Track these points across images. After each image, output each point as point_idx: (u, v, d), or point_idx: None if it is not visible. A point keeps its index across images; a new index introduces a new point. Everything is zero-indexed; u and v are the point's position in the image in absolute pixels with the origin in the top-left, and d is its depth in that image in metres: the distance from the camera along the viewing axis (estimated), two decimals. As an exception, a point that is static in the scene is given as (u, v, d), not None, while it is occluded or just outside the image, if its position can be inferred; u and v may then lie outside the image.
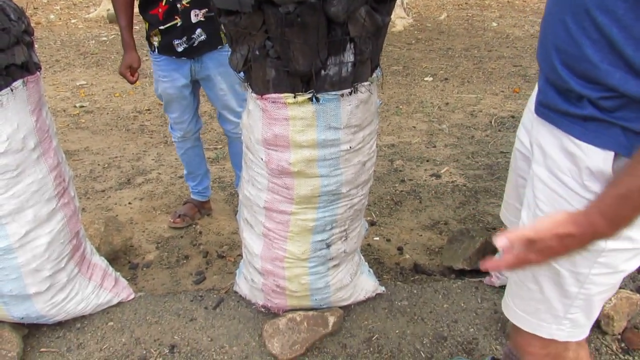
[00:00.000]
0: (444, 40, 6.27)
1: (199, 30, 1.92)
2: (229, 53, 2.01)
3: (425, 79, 4.83)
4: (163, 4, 1.87)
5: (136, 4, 1.97)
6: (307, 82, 1.20)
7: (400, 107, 4.04)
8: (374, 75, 1.31)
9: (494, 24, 7.01)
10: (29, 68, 1.32)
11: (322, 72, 1.18)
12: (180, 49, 1.95)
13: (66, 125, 3.86)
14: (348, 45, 1.16)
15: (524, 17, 7.41)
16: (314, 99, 1.21)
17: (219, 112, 2.18)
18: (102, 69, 5.29)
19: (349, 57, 1.18)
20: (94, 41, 6.43)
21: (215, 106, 2.18)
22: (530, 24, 7.01)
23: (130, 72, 2.07)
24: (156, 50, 2.00)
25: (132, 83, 2.11)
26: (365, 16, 1.11)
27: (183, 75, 2.04)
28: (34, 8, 8.25)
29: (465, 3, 8.52)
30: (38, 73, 1.37)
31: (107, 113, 4.09)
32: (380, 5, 1.14)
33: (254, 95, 1.28)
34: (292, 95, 1.21)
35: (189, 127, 2.21)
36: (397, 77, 4.88)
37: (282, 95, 1.22)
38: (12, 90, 1.26)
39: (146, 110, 4.11)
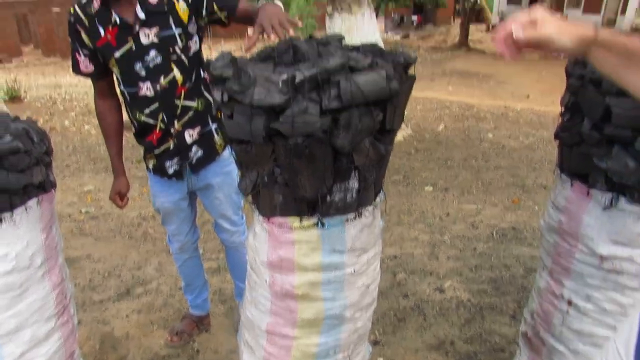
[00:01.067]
0: (442, 151, 6.48)
1: (194, 148, 1.96)
2: (226, 163, 2.05)
3: (426, 188, 4.94)
4: (157, 130, 1.91)
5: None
6: (313, 206, 1.24)
7: (402, 217, 4.09)
8: (378, 199, 1.35)
9: (490, 135, 7.30)
10: (44, 187, 1.37)
11: (328, 197, 1.22)
12: (170, 171, 1.99)
13: (70, 231, 3.89)
14: (353, 173, 1.21)
15: (518, 129, 7.73)
16: (319, 223, 1.24)
17: (216, 221, 2.20)
18: (110, 175, 5.39)
19: (353, 184, 1.22)
20: (104, 147, 6.65)
21: (212, 215, 2.20)
22: (524, 135, 7.29)
23: (120, 197, 2.11)
24: (151, 171, 2.06)
25: (121, 208, 2.16)
26: (369, 147, 1.18)
27: (179, 189, 2.07)
28: (50, 114, 8.64)
29: (462, 115, 8.94)
30: (53, 191, 1.41)
31: (112, 219, 4.13)
32: (383, 136, 1.21)
33: (260, 217, 1.31)
34: (299, 219, 1.24)
35: (187, 239, 2.23)
36: (398, 187, 4.98)
37: (288, 219, 1.25)
38: (26, 209, 1.30)
39: (151, 216, 4.16)
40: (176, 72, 1.83)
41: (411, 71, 1.21)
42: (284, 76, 1.02)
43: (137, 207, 4.40)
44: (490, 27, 23.66)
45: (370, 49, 1.18)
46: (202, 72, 1.92)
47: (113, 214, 4.25)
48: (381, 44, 6.44)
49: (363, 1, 6.56)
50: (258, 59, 1.18)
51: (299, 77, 1.01)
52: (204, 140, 1.97)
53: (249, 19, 1.76)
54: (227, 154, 2.04)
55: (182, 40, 1.80)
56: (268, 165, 1.20)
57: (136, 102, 1.87)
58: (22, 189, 1.27)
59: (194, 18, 1.81)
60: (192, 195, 2.15)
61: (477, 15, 22.17)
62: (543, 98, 10.05)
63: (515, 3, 24.78)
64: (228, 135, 1.20)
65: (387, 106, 1.12)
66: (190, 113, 1.91)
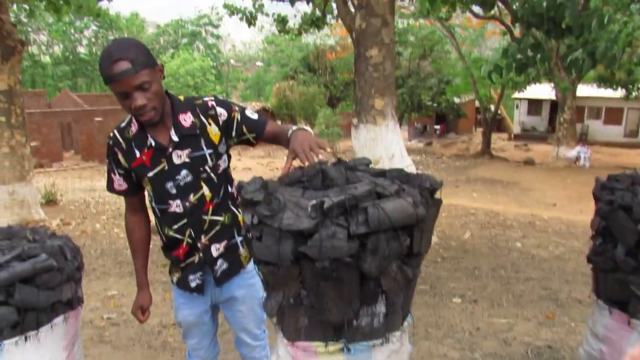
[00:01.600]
0: (469, 260, 6.35)
1: (220, 261, 1.97)
2: (250, 275, 2.04)
3: (454, 300, 4.77)
4: (184, 245, 1.94)
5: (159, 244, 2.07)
6: (338, 331, 1.21)
7: (430, 330, 3.91)
8: (405, 323, 1.31)
9: (518, 244, 7.16)
10: (72, 303, 1.38)
11: (354, 322, 1.19)
12: (192, 285, 1.99)
13: (90, 338, 3.82)
14: (380, 297, 1.19)
15: (547, 238, 7.57)
16: (345, 348, 1.20)
17: (236, 335, 2.16)
18: (135, 279, 5.43)
19: (380, 308, 1.20)
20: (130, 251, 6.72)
21: (233, 328, 2.16)
22: (554, 244, 7.12)
23: (142, 311, 2.10)
24: (175, 284, 2.07)
25: (141, 322, 2.15)
26: (397, 271, 1.17)
27: (203, 302, 2.05)
28: (83, 217, 8.89)
29: (488, 222, 8.85)
30: (79, 307, 1.42)
31: (133, 326, 4.06)
32: (410, 260, 1.21)
33: (285, 340, 1.28)
34: (324, 344, 1.21)
35: (207, 354, 2.17)
36: (425, 297, 4.83)
37: (313, 343, 1.22)
38: (52, 327, 1.30)
39: (171, 324, 4.08)
40: (205, 189, 1.89)
41: (437, 195, 1.23)
42: (313, 202, 1.05)
43: (158, 314, 4.35)
44: (512, 136, 24.20)
45: (397, 174, 1.22)
46: (229, 188, 1.98)
47: (134, 320, 4.17)
48: (405, 153, 6.60)
49: (387, 113, 6.84)
50: (288, 182, 1.23)
51: (327, 203, 1.04)
52: (230, 253, 1.99)
53: (276, 140, 1.86)
54: (252, 266, 2.04)
55: (212, 160, 1.88)
56: (295, 287, 1.19)
57: (166, 218, 1.92)
58: (50, 306, 1.28)
59: (224, 139, 1.91)
60: (214, 309, 2.13)
61: (498, 124, 22.85)
62: (571, 206, 9.96)
63: (535, 114, 25.54)
64: (256, 256, 1.22)
65: (414, 231, 1.13)
66: (217, 227, 1.95)
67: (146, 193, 1.99)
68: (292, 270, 1.16)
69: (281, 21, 10.47)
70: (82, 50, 41.72)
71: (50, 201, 9.81)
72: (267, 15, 10.35)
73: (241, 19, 10.08)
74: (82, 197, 11.02)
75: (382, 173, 1.24)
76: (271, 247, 1.11)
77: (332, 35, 33.37)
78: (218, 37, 51.75)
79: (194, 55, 44.93)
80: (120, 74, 1.62)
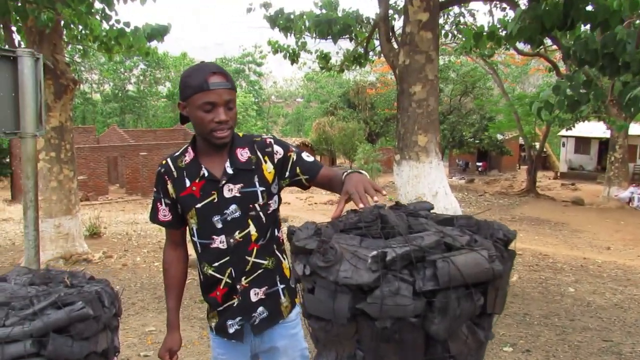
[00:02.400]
0: (519, 305, 6.00)
1: (260, 309, 1.86)
2: (292, 325, 1.90)
3: (505, 349, 4.46)
4: (221, 287, 1.85)
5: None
6: (399, 399, 1.06)
7: (481, 383, 3.64)
8: (474, 391, 1.15)
9: (571, 289, 6.74)
10: (107, 355, 1.28)
11: (417, 390, 1.04)
12: (231, 330, 1.87)
13: (126, 377, 3.74)
14: (447, 363, 1.04)
15: (602, 284, 7.12)
16: (407, 421, 1.05)
17: None
18: (173, 316, 5.36)
19: (448, 374, 1.05)
20: (171, 286, 6.69)
21: None
22: (611, 291, 6.68)
23: (170, 354, 1.95)
24: (213, 330, 1.95)
25: None
26: (468, 333, 1.02)
27: (243, 353, 1.93)
28: (125, 250, 9.00)
29: (537, 265, 8.43)
30: (115, 358, 1.32)
31: (169, 366, 3.95)
32: (483, 320, 1.06)
33: (337, 406, 1.14)
34: (382, 414, 1.06)
35: None
36: (474, 346, 4.54)
37: (370, 413, 1.07)
38: (84, 381, 1.21)
39: (208, 366, 3.96)
40: (252, 228, 1.81)
41: (511, 246, 1.09)
42: (374, 252, 0.93)
43: (195, 352, 4.24)
44: (558, 174, 23.46)
45: (465, 222, 1.09)
46: (276, 231, 1.91)
47: (171, 360, 4.09)
48: (449, 191, 6.41)
49: (431, 150, 6.69)
50: (343, 228, 1.11)
51: (390, 255, 0.92)
52: (270, 300, 1.88)
53: (329, 183, 1.80)
54: (294, 315, 1.94)
55: (263, 198, 1.82)
56: (350, 347, 1.06)
57: (207, 254, 1.84)
58: (84, 358, 1.19)
59: (277, 179, 1.85)
60: (254, 359, 2.00)
61: (543, 162, 22.22)
62: (626, 250, 9.40)
63: (583, 152, 24.76)
64: (307, 310, 1.10)
65: (489, 288, 0.99)
66: (260, 271, 1.85)
67: (188, 228, 1.91)
68: (348, 329, 1.03)
69: (323, 58, 10.57)
70: (130, 87, 43.59)
71: (94, 234, 10.02)
72: (309, 52, 10.49)
73: (284, 56, 10.24)
74: (124, 229, 11.22)
75: (449, 220, 1.10)
76: (325, 301, 0.99)
77: (373, 72, 33.70)
78: (260, 74, 53.15)
79: (237, 92, 46.15)
80: (218, 84, 1.67)
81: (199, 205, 1.80)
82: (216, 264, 1.83)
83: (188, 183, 1.81)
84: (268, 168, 1.83)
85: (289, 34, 9.40)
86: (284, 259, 1.93)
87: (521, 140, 24.42)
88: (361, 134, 29.83)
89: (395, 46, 7.01)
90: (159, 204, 1.88)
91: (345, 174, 1.67)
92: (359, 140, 28.32)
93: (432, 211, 1.19)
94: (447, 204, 6.38)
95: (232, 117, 1.74)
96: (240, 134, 1.89)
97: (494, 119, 23.25)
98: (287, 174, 1.86)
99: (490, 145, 24.06)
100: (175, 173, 1.84)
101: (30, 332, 1.09)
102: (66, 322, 1.11)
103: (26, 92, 2.74)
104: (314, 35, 9.17)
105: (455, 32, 11.90)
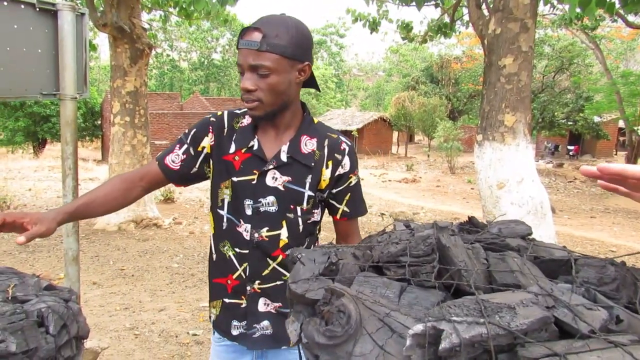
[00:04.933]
0: (612, 313, 5.26)
1: (265, 323, 1.54)
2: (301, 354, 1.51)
3: None
4: (233, 277, 1.53)
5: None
6: None
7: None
8: None
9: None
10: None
11: None
12: (235, 332, 1.56)
13: (172, 357, 3.58)
14: None
15: None
16: None
17: None
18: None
19: None
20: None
21: None
22: None
23: (24, 225, 1.29)
24: (212, 322, 1.63)
25: (19, 243, 1.27)
26: None
27: None
28: (194, 217, 9.05)
29: (633, 265, 7.48)
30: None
31: (216, 348, 3.75)
32: None
33: None
34: None
35: None
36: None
37: None
38: None
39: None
40: (284, 232, 1.49)
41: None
42: (418, 328, 0.50)
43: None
44: (664, 162, 21.20)
45: (597, 272, 0.61)
46: (312, 246, 1.58)
47: (219, 341, 3.89)
48: (537, 178, 5.70)
49: (519, 131, 5.97)
50: (377, 261, 0.68)
51: (447, 339, 0.48)
52: (279, 320, 1.54)
53: (344, 234, 1.63)
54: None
55: (308, 204, 1.51)
56: None
57: (232, 234, 1.52)
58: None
59: (327, 191, 1.54)
60: None
61: (646, 149, 20.04)
62: None
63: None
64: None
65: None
66: (277, 282, 1.52)
67: (217, 198, 1.56)
68: None
69: (405, 27, 9.89)
70: (216, 56, 44.58)
71: (167, 199, 10.20)
72: (391, 22, 9.84)
73: (364, 25, 9.68)
74: (198, 196, 11.35)
75: (559, 264, 0.63)
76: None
77: (459, 44, 32.05)
78: (342, 46, 52.40)
79: (318, 63, 45.93)
80: (245, 43, 1.35)
81: (235, 179, 1.50)
82: (237, 249, 1.52)
83: (233, 149, 1.50)
84: (326, 174, 1.51)
85: (370, 1, 8.80)
86: None
87: (621, 124, 22.17)
88: (442, 111, 28.54)
89: (486, 13, 6.29)
90: (178, 147, 1.56)
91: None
92: (439, 117, 27.12)
93: (530, 236, 0.73)
94: (534, 193, 5.71)
95: (263, 88, 1.37)
96: (315, 120, 1.56)
97: (592, 99, 21.18)
98: (331, 193, 1.55)
99: (585, 127, 22.00)
100: (225, 130, 1.53)
101: None
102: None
103: (66, 50, 2.50)
104: (397, 1, 8.50)
105: (555, 1, 10.67)
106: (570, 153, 25.72)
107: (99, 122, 25.04)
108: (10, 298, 0.93)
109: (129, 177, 1.57)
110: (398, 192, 15.00)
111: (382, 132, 31.48)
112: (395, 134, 34.14)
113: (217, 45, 44.23)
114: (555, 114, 21.89)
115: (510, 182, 5.84)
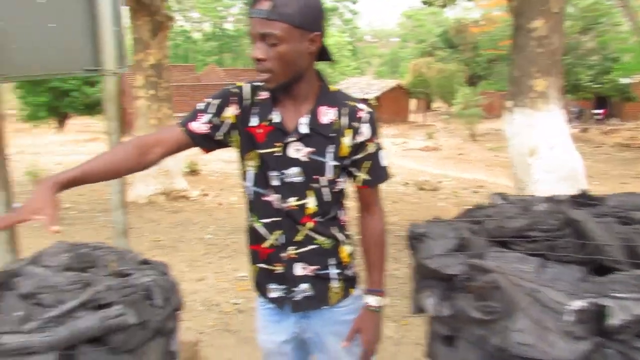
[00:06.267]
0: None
1: (304, 286, 1.58)
2: (343, 311, 1.59)
3: None
4: (265, 245, 1.57)
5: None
6: None
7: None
8: None
9: None
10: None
11: None
12: (273, 295, 1.61)
13: (214, 325, 3.67)
14: None
15: None
16: None
17: None
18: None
19: None
20: (262, 229, 6.65)
21: None
22: None
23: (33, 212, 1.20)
24: (253, 286, 1.69)
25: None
26: None
27: (284, 330, 1.66)
28: (221, 189, 9.13)
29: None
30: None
31: (258, 316, 3.84)
32: None
33: None
34: None
35: None
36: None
37: None
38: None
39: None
40: (310, 201, 1.52)
41: None
42: (579, 304, 0.50)
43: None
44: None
45: None
46: (339, 213, 1.62)
47: (260, 310, 3.97)
48: (571, 145, 5.61)
49: (550, 96, 5.84)
50: (500, 235, 0.67)
51: (614, 314, 0.48)
52: (317, 282, 1.59)
53: (364, 206, 1.61)
54: (348, 302, 1.64)
55: (331, 173, 1.52)
56: None
57: (258, 206, 1.55)
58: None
59: (349, 157, 1.54)
60: (301, 344, 1.71)
61: (676, 110, 19.53)
62: None
63: None
64: None
65: None
66: (311, 246, 1.56)
67: (242, 171, 1.58)
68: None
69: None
70: (228, 26, 44.10)
71: (192, 171, 10.29)
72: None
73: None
74: (222, 167, 11.42)
75: None
76: None
77: (479, 7, 31.16)
78: (355, 12, 51.34)
79: (331, 30, 45.16)
80: (254, 11, 1.35)
81: (259, 151, 1.52)
82: (266, 220, 1.55)
83: (255, 121, 1.51)
84: (347, 142, 1.51)
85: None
86: (346, 243, 1.64)
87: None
88: (461, 77, 28.00)
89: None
90: (200, 114, 1.53)
91: (366, 304, 1.59)
92: (458, 83, 26.62)
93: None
94: (567, 159, 5.63)
95: (272, 57, 1.37)
96: (333, 89, 1.54)
97: (619, 59, 20.53)
98: (350, 161, 1.54)
99: (613, 89, 21.42)
100: (247, 102, 1.53)
101: (53, 344, 0.81)
102: (99, 331, 0.81)
103: (104, 25, 2.49)
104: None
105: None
106: (597, 117, 25.15)
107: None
108: (115, 272, 0.95)
109: (143, 142, 1.51)
110: (419, 160, 14.91)
111: (399, 100, 31.08)
112: (413, 102, 33.70)
113: (228, 15, 43.73)
114: (580, 76, 21.32)
115: (541, 148, 5.76)
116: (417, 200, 8.54)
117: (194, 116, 1.56)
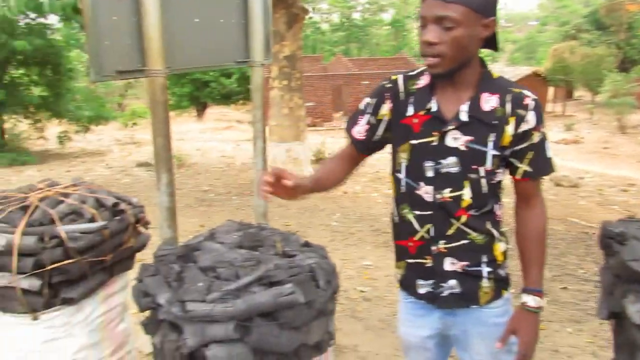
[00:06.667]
0: None
1: (452, 282, 1.53)
2: (494, 313, 1.52)
3: None
4: (416, 238, 1.53)
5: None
6: None
7: None
8: None
9: None
10: (321, 346, 1.02)
11: None
12: (422, 291, 1.57)
13: (343, 311, 3.75)
14: None
15: None
16: None
17: None
18: (389, 251, 5.28)
19: None
20: (387, 219, 6.66)
21: None
22: None
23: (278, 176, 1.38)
24: (398, 281, 1.66)
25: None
26: None
27: (428, 324, 1.61)
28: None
29: None
30: (329, 350, 1.07)
31: (385, 306, 3.85)
32: None
33: None
34: None
35: None
36: None
37: None
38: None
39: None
40: (466, 193, 1.47)
41: None
42: None
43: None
44: None
45: None
46: (495, 207, 1.53)
47: (386, 299, 3.99)
48: None
49: None
50: None
51: None
52: (467, 279, 1.53)
53: (523, 201, 1.53)
54: (499, 304, 1.56)
55: (492, 164, 1.46)
56: None
57: (411, 197, 1.54)
58: (292, 351, 0.94)
59: (509, 150, 1.47)
60: (445, 340, 1.66)
61: None
62: None
63: None
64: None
65: None
66: (463, 241, 1.50)
67: (395, 162, 1.59)
68: None
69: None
70: (356, 16, 44.39)
71: (320, 159, 10.59)
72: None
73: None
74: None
75: None
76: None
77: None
78: (490, -4, 48.65)
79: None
80: None
81: (414, 142, 1.49)
82: (417, 212, 1.53)
83: (411, 111, 1.50)
84: (509, 131, 1.43)
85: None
86: (501, 240, 1.55)
87: None
88: (611, 61, 25.26)
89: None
90: (361, 117, 1.61)
91: (523, 303, 1.49)
92: (607, 68, 24.05)
93: None
94: None
95: (446, 42, 1.33)
96: (495, 75, 1.48)
97: None
98: (512, 151, 1.46)
99: None
100: (402, 95, 1.53)
101: (233, 314, 0.87)
102: (272, 307, 0.85)
103: (255, 19, 2.63)
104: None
105: None
106: None
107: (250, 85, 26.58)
108: (281, 252, 0.99)
109: (338, 156, 1.68)
110: (557, 154, 13.78)
111: (536, 88, 28.82)
112: (551, 90, 31.21)
113: (357, 5, 43.97)
114: None
115: None
116: (554, 197, 7.93)
117: (355, 120, 1.64)
